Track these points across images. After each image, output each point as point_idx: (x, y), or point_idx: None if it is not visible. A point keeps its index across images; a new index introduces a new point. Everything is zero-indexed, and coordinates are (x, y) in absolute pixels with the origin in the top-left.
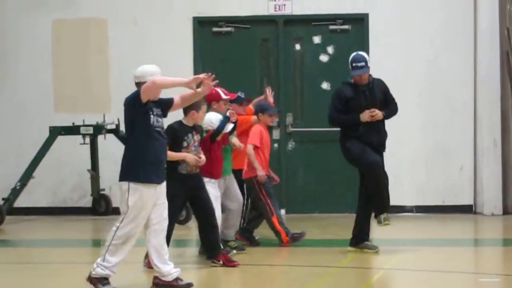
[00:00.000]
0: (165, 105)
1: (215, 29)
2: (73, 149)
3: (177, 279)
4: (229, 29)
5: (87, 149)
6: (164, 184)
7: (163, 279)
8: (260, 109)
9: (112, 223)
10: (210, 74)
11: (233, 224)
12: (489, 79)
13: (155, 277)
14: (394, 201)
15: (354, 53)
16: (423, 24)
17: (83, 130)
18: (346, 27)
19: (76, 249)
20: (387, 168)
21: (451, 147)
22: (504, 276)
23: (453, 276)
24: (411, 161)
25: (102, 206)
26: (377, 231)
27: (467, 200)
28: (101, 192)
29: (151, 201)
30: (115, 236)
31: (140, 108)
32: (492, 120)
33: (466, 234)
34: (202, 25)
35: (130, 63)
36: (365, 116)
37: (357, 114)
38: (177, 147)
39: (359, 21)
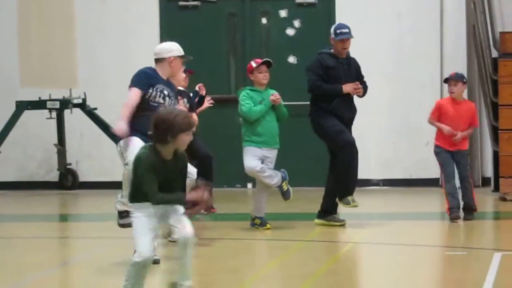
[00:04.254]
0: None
1: (181, 3)
2: (39, 124)
3: None
4: (195, 3)
5: (53, 123)
6: None
7: None
8: None
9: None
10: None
11: None
12: (455, 54)
13: None
14: (361, 175)
15: (336, 24)
16: None
17: (49, 104)
18: (312, 0)
19: (43, 223)
20: None
21: (418, 122)
22: (470, 249)
23: (420, 249)
24: (378, 135)
25: (69, 181)
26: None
27: (434, 174)
28: (68, 167)
29: None
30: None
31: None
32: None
33: (433, 208)
34: None
35: (96, 38)
36: (348, 87)
37: (339, 84)
38: None
39: None
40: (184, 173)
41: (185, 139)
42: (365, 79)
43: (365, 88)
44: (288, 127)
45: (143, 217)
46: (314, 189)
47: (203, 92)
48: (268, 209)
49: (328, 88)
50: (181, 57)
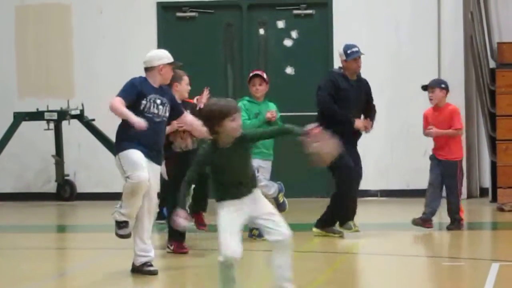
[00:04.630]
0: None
1: (179, 14)
2: (37, 135)
3: (146, 264)
4: (193, 14)
5: (51, 134)
6: (155, 167)
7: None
8: None
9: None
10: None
11: None
12: (453, 64)
13: None
14: None
15: (343, 45)
16: (387, 9)
17: (47, 115)
18: (310, 11)
19: (41, 234)
20: None
21: (415, 132)
22: (467, 259)
23: (417, 260)
24: (375, 146)
25: (66, 192)
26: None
27: None
28: (66, 178)
29: (143, 159)
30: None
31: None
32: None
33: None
34: (166, 10)
35: (94, 49)
36: (360, 124)
37: (347, 110)
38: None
39: (323, 6)
40: (247, 154)
41: (232, 124)
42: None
43: (373, 113)
44: (285, 137)
45: (226, 215)
46: (311, 199)
47: (201, 105)
48: None
49: (339, 114)
50: (170, 64)
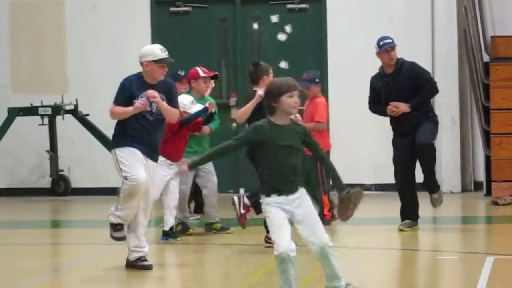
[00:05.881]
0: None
1: (172, 9)
2: (31, 130)
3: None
4: (186, 8)
5: (45, 130)
6: (151, 163)
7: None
8: None
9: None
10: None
11: (210, 203)
12: (446, 58)
13: None
14: (353, 179)
15: (378, 38)
16: (381, 3)
17: (41, 110)
18: (303, 6)
19: (35, 230)
20: (345, 145)
21: None
22: (462, 253)
23: (411, 254)
24: (370, 140)
25: (61, 187)
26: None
27: None
28: (60, 173)
29: (140, 158)
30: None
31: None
32: (450, 98)
33: (425, 212)
34: (159, 5)
35: (87, 44)
36: (388, 111)
37: (386, 105)
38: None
39: (317, 0)
40: (300, 146)
41: (289, 101)
42: (431, 81)
43: (425, 95)
44: None
45: (274, 209)
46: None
47: (213, 110)
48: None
49: (378, 112)
50: (156, 61)
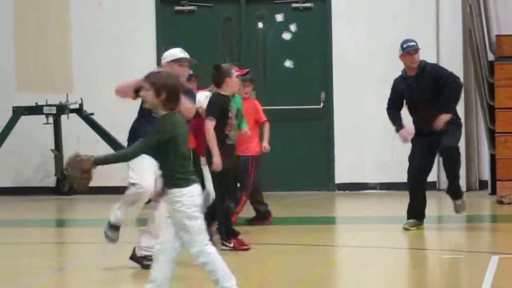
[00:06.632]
0: None
1: (177, 7)
2: (36, 129)
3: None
4: (191, 7)
5: (50, 129)
6: None
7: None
8: None
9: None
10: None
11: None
12: (451, 57)
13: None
14: (357, 178)
15: (403, 40)
16: (386, 2)
17: (46, 110)
18: (308, 5)
19: (40, 229)
20: (350, 144)
21: None
22: (467, 252)
23: (417, 253)
24: (375, 139)
25: (65, 186)
26: (341, 209)
27: (431, 177)
28: (65, 172)
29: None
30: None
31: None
32: None
33: (430, 211)
34: (164, 3)
35: (92, 43)
36: (404, 132)
37: (413, 107)
38: (225, 118)
39: None
40: None
41: None
42: (452, 79)
43: (449, 95)
44: (283, 131)
45: None
46: (307, 193)
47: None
48: None
49: (391, 121)
50: (174, 61)
